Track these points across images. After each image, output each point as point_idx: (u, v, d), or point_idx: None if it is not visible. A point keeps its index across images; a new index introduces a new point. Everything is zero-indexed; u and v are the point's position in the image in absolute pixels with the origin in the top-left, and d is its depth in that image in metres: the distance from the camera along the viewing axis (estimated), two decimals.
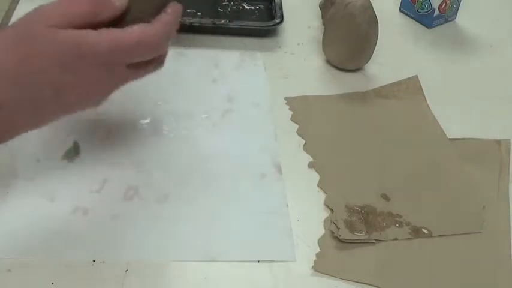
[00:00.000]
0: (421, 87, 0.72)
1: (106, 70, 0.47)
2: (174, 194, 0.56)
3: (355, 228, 0.54)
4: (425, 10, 0.84)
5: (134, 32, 0.46)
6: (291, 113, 0.67)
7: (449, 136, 0.66)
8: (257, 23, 0.79)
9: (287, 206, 0.56)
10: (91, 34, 0.45)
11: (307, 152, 0.62)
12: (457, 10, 0.86)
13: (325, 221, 0.55)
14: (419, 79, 0.73)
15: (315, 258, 0.52)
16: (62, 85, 0.45)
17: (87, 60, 0.45)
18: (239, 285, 0.50)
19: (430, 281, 0.51)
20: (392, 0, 0.89)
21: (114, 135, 0.61)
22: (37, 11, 0.45)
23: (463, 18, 0.87)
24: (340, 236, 0.53)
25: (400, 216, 0.56)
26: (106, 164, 0.58)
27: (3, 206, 0.53)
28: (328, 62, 0.75)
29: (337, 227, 0.54)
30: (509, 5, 0.93)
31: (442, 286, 0.51)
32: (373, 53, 0.73)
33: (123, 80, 0.50)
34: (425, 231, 0.55)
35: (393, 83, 0.73)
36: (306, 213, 0.56)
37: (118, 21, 0.47)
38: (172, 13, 0.49)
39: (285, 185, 0.58)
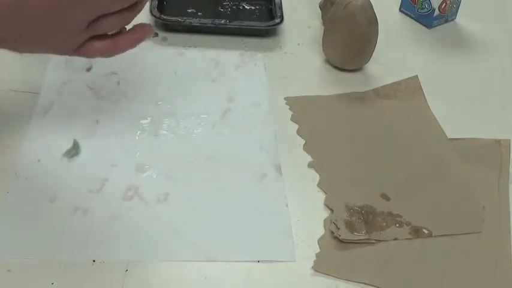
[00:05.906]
0: (421, 87, 0.72)
1: None
2: (174, 194, 0.56)
3: (355, 228, 0.54)
4: (425, 10, 0.84)
5: None
6: (291, 113, 0.67)
7: (449, 136, 0.66)
8: (257, 23, 0.79)
9: (287, 206, 0.56)
10: None
11: (307, 152, 0.62)
12: (457, 10, 0.86)
13: (325, 221, 0.55)
14: (419, 79, 0.73)
15: (315, 258, 0.52)
16: None
17: None
18: (239, 285, 0.50)
19: (430, 281, 0.51)
20: (392, 0, 0.89)
21: (114, 135, 0.61)
22: None
23: (463, 18, 0.87)
24: (340, 236, 0.53)
25: (400, 216, 0.56)
26: (106, 164, 0.58)
27: (3, 206, 0.53)
28: (328, 62, 0.75)
29: (337, 227, 0.54)
30: (509, 5, 0.93)
31: (442, 286, 0.51)
32: (373, 53, 0.73)
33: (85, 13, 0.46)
34: (425, 231, 0.55)
35: (393, 83, 0.73)
36: (306, 213, 0.56)
37: None
38: None
39: (285, 185, 0.58)
